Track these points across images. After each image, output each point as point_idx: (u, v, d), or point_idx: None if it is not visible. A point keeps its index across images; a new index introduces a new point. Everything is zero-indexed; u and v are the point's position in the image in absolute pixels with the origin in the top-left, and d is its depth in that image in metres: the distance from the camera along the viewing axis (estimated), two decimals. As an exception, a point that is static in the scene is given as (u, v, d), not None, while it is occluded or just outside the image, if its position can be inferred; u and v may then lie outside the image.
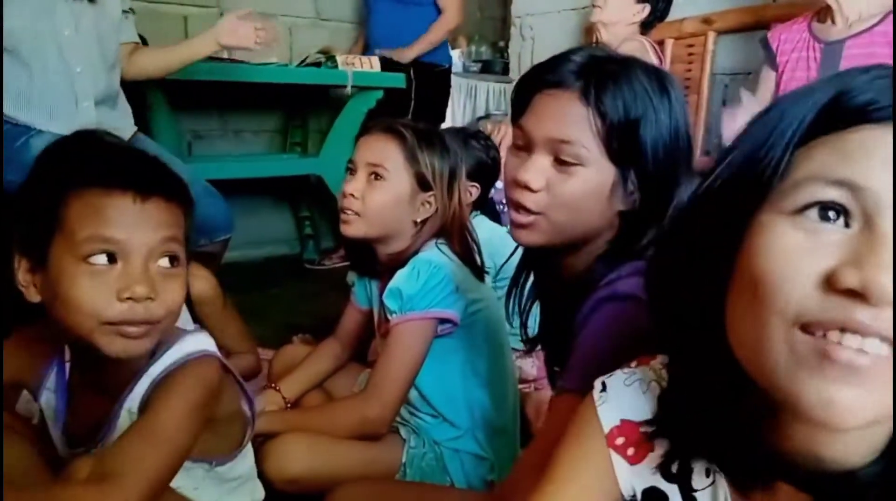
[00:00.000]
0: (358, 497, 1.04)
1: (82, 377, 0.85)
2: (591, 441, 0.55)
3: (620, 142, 0.77)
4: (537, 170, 0.79)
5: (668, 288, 0.49)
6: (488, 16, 4.33)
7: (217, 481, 0.93)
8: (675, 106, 0.79)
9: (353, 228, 1.19)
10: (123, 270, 0.73)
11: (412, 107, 2.88)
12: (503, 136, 2.20)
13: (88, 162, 0.77)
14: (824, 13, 1.98)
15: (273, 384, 1.34)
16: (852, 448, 0.44)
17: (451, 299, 1.16)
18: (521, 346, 1.13)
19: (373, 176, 1.18)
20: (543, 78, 0.81)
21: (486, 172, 1.83)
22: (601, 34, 2.44)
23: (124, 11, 1.82)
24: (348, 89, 2.61)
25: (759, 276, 0.40)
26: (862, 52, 1.77)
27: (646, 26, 2.43)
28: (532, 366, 1.65)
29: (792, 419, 0.44)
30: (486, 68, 3.82)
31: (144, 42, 2.02)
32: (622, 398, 0.55)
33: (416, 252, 1.20)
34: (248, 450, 1.01)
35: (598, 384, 0.58)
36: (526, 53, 3.44)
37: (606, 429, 0.55)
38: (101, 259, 0.73)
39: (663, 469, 0.52)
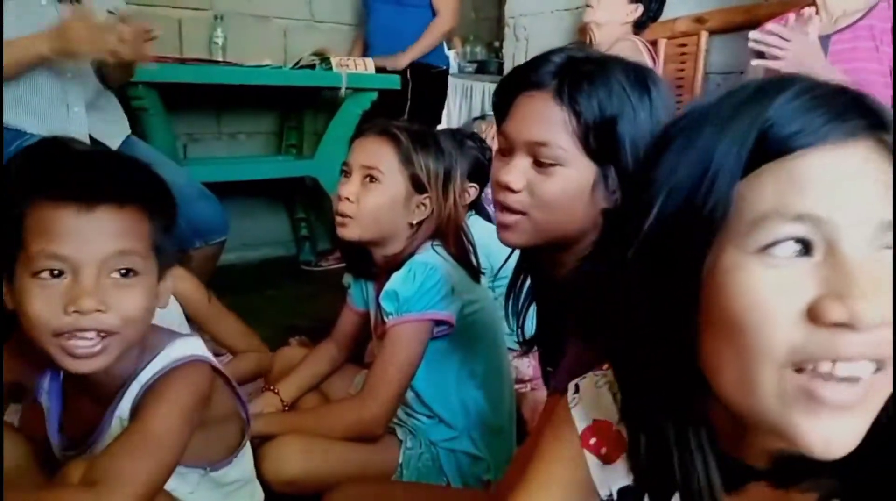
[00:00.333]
0: (355, 498, 1.04)
1: (74, 382, 0.85)
2: (567, 442, 0.56)
3: (598, 140, 0.77)
4: (517, 171, 0.80)
5: (628, 353, 0.48)
6: (483, 16, 4.33)
7: (213, 485, 0.93)
8: (657, 103, 0.78)
9: (349, 231, 1.19)
10: (72, 283, 0.72)
11: (408, 108, 2.88)
12: (495, 136, 2.20)
13: (44, 173, 0.75)
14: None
15: (271, 387, 1.34)
16: None
17: (446, 301, 1.16)
18: (517, 346, 1.14)
19: (367, 179, 1.18)
20: (522, 80, 0.81)
21: (483, 172, 1.83)
22: (594, 34, 2.44)
23: (109, 12, 1.79)
24: (342, 91, 2.61)
25: (738, 320, 0.39)
26: (846, 47, 1.78)
27: (639, 26, 2.42)
28: (528, 366, 1.66)
29: (764, 434, 0.43)
30: (482, 69, 3.82)
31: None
32: (593, 399, 0.56)
33: (412, 254, 1.20)
34: (247, 453, 1.01)
35: (571, 386, 0.58)
36: (520, 54, 3.44)
37: (580, 430, 0.55)
38: (48, 275, 0.72)
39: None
